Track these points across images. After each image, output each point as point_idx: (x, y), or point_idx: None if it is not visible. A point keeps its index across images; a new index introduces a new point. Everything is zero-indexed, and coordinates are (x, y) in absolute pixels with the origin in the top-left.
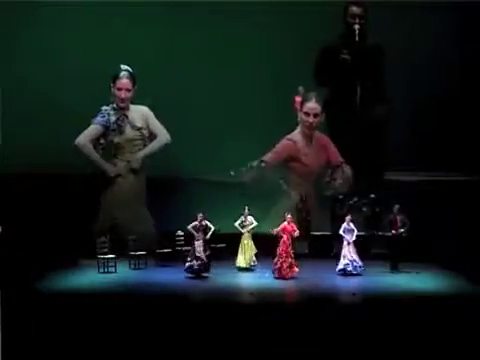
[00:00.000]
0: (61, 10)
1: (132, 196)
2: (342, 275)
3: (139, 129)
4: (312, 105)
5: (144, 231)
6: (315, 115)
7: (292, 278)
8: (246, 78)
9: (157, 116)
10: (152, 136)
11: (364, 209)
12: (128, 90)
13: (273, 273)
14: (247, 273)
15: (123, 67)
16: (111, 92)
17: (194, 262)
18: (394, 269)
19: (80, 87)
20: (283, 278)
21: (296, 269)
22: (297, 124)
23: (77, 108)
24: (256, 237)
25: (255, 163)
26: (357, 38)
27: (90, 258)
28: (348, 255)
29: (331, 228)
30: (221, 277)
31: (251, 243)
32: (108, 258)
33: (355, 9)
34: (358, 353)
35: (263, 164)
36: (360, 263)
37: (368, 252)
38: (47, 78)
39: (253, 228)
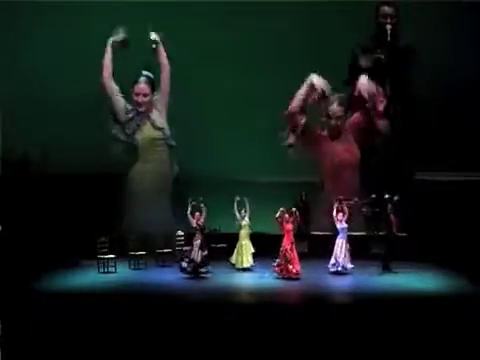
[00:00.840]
0: (82, 9)
1: (156, 195)
2: (334, 274)
3: (161, 129)
4: (335, 108)
5: (167, 230)
6: (338, 118)
7: (290, 278)
8: (270, 80)
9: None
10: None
11: (364, 209)
12: (145, 95)
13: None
14: (247, 273)
15: (144, 72)
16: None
17: (185, 262)
18: (386, 269)
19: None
20: (283, 277)
21: (294, 270)
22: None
23: (94, 108)
24: (260, 237)
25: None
26: (389, 38)
27: (90, 258)
28: (338, 254)
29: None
30: (221, 277)
31: (248, 243)
32: (108, 258)
33: (387, 9)
34: (357, 353)
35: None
36: (347, 264)
37: (368, 252)
38: (61, 76)
39: (245, 225)
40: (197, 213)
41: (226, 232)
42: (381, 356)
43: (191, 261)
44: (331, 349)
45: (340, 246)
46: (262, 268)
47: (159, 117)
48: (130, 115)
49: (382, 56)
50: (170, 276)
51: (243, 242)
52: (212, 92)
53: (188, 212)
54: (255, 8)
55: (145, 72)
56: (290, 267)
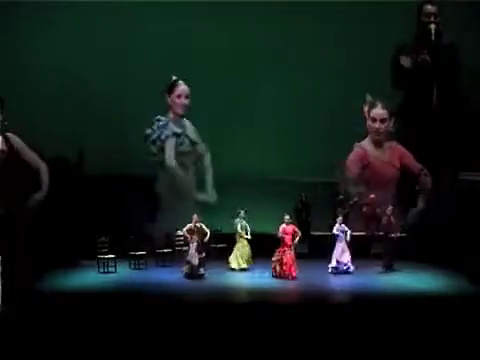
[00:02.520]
0: (127, 10)
1: (185, 196)
2: (334, 273)
3: (190, 139)
4: (379, 111)
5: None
6: (382, 120)
7: (284, 278)
8: (318, 83)
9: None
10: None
11: (364, 209)
12: (187, 97)
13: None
14: (246, 273)
15: (174, 77)
16: (167, 102)
17: (185, 267)
18: (388, 268)
19: (141, 88)
20: (278, 277)
21: (288, 272)
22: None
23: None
24: (260, 238)
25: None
26: (433, 37)
27: (91, 258)
28: (338, 255)
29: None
30: (221, 277)
31: (247, 245)
32: (108, 258)
33: (430, 8)
34: (358, 352)
35: (355, 199)
36: (349, 264)
37: (368, 252)
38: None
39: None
40: (195, 215)
41: (227, 232)
42: (381, 355)
43: (188, 263)
44: (332, 348)
45: (340, 248)
46: (262, 268)
47: (189, 122)
48: (170, 116)
49: (427, 57)
50: (170, 276)
51: (242, 243)
52: (246, 94)
53: (184, 230)
54: (288, 8)
55: (175, 77)
56: (285, 268)
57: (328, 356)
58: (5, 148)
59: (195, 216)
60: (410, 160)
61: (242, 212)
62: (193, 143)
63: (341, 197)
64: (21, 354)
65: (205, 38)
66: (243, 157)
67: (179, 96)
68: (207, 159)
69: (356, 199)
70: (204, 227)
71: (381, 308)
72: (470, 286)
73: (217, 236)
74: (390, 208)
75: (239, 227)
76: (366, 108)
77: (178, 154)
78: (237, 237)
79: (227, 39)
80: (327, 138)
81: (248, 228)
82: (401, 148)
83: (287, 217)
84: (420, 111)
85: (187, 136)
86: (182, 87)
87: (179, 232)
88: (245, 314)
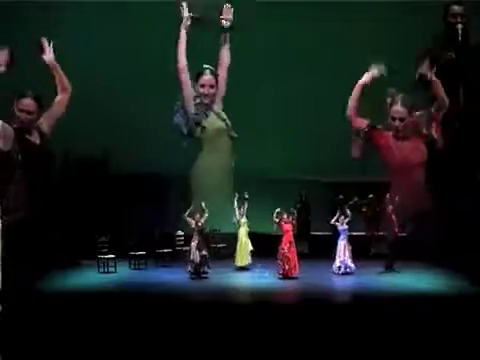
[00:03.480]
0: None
1: (219, 188)
2: (338, 274)
3: (224, 120)
4: (398, 109)
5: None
6: (401, 119)
7: (287, 278)
8: (338, 80)
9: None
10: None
11: (364, 209)
12: (212, 86)
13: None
14: (246, 273)
15: (205, 66)
16: (195, 89)
17: (189, 267)
18: (389, 268)
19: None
20: (285, 277)
21: (291, 270)
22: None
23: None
24: (261, 237)
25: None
26: (460, 38)
27: (91, 258)
28: (341, 256)
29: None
30: (221, 277)
31: (247, 241)
32: (108, 258)
33: (456, 8)
34: (358, 353)
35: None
36: (350, 264)
37: (368, 252)
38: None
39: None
40: (197, 214)
41: (227, 232)
42: (381, 355)
43: (191, 262)
44: (332, 349)
45: (343, 248)
46: (262, 267)
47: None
48: (197, 106)
49: (453, 56)
50: (170, 276)
51: (242, 240)
52: (271, 91)
53: (186, 214)
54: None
55: (206, 65)
56: (287, 267)
57: (329, 356)
58: (40, 142)
59: (197, 215)
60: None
61: (242, 209)
62: (223, 120)
63: (341, 197)
64: (21, 354)
65: (243, 36)
66: (245, 156)
67: (203, 85)
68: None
69: (356, 199)
70: (204, 208)
71: (381, 308)
72: (470, 286)
73: (215, 236)
74: (390, 207)
75: (237, 214)
76: (388, 100)
77: (213, 134)
78: (240, 233)
79: (262, 38)
80: (328, 136)
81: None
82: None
83: (284, 214)
84: (446, 113)
85: (218, 115)
86: (206, 77)
87: (179, 232)
88: (246, 314)
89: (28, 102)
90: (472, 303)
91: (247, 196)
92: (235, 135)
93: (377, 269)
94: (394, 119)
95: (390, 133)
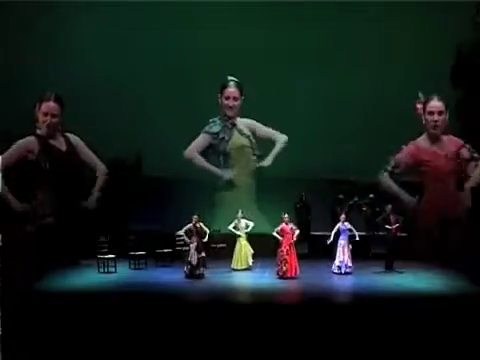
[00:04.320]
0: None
1: (245, 199)
2: (337, 274)
3: (248, 137)
4: (436, 103)
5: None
6: (439, 113)
7: (288, 278)
8: (373, 82)
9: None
10: (261, 143)
11: (364, 209)
12: (235, 99)
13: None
14: (246, 273)
15: (230, 77)
16: (218, 103)
17: (185, 268)
18: (389, 268)
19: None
20: (282, 278)
21: (289, 272)
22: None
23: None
24: (261, 238)
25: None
26: None
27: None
28: (341, 255)
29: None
30: (221, 277)
31: (246, 244)
32: (108, 258)
33: None
34: (357, 353)
35: (385, 173)
36: (349, 263)
37: (368, 252)
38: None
39: (248, 230)
40: (195, 216)
41: (227, 232)
42: (381, 355)
43: (190, 264)
44: (332, 348)
45: (342, 247)
46: (262, 268)
47: (246, 128)
48: (220, 135)
49: None
50: (170, 276)
51: (242, 243)
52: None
53: (182, 231)
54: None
55: (231, 77)
56: (284, 269)
57: (329, 356)
58: (66, 148)
59: (195, 217)
60: (464, 149)
61: (239, 213)
62: (246, 136)
63: (341, 197)
64: (21, 354)
65: (250, 38)
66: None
67: (227, 98)
68: (278, 144)
69: (356, 199)
70: (204, 227)
71: (381, 308)
72: (470, 286)
73: (215, 236)
74: (389, 207)
75: (231, 227)
76: (420, 105)
77: (222, 153)
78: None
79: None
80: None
81: (248, 223)
82: (457, 139)
83: (286, 216)
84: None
85: (229, 137)
86: (230, 89)
87: (179, 232)
88: (246, 314)
89: (52, 105)
90: (472, 303)
91: (240, 213)
92: (258, 153)
93: (377, 269)
94: (432, 113)
95: (418, 145)
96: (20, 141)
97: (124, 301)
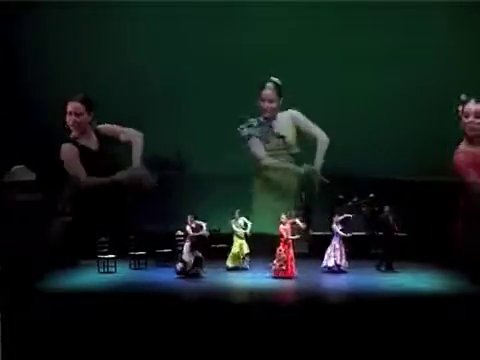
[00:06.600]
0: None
1: (278, 202)
2: (327, 272)
3: (282, 137)
4: (473, 106)
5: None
6: (477, 115)
7: (284, 278)
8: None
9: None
10: (303, 139)
11: (364, 209)
12: (271, 101)
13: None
14: (246, 273)
15: (272, 78)
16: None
17: (178, 264)
18: (388, 268)
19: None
20: (278, 277)
21: (287, 271)
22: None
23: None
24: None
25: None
26: None
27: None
28: (332, 254)
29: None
30: (220, 277)
31: (243, 243)
32: (108, 258)
33: None
34: (357, 353)
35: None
36: (343, 262)
37: (368, 252)
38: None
39: (248, 229)
40: (189, 216)
41: (227, 232)
42: (381, 355)
43: (182, 262)
44: (332, 348)
45: (333, 246)
46: (260, 267)
47: (286, 125)
48: (256, 128)
49: None
50: (170, 276)
51: (239, 242)
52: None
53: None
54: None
55: (273, 78)
56: (284, 267)
57: (328, 356)
58: (97, 147)
59: (190, 217)
60: None
61: (236, 213)
62: (287, 145)
63: (341, 197)
64: (21, 354)
65: (294, 36)
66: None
67: (263, 100)
68: (320, 145)
69: (356, 199)
70: (202, 224)
71: (381, 308)
72: (470, 286)
73: (214, 236)
74: (387, 207)
75: (234, 227)
76: (460, 107)
77: (270, 154)
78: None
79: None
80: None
81: (247, 222)
82: None
83: (283, 216)
84: None
85: (272, 137)
86: (266, 91)
87: (179, 232)
88: (245, 314)
89: (75, 104)
90: (472, 303)
91: (238, 213)
92: (295, 151)
93: (377, 269)
94: (468, 116)
95: (463, 150)
96: (64, 153)
97: (124, 301)
